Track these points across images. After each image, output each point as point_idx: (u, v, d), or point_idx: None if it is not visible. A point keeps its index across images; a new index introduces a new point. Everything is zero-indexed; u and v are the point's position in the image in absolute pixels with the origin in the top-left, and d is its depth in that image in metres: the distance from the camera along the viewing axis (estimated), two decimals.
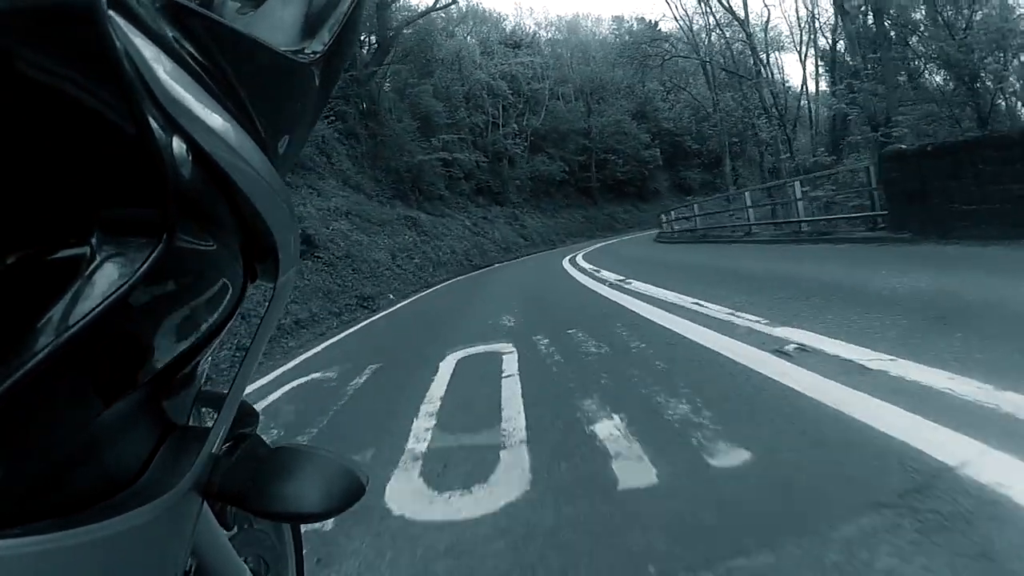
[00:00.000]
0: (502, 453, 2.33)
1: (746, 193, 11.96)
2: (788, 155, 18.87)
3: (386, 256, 12.43)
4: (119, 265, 0.26)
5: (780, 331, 3.42)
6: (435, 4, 25.21)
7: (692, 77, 37.92)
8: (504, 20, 41.09)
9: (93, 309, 0.24)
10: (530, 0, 60.00)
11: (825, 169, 14.05)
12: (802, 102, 25.83)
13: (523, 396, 3.07)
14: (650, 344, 3.75)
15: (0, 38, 0.22)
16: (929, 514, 1.37)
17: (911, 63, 21.84)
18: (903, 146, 8.20)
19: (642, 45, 28.47)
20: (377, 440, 2.79)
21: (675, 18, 35.69)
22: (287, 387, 4.49)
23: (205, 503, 0.41)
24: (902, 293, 4.05)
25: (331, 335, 7.47)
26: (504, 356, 4.09)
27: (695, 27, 28.38)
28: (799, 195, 10.04)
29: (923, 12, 15.61)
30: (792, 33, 24.05)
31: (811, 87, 25.48)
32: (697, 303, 4.82)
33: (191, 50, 0.29)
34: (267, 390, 4.46)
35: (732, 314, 4.18)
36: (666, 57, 27.08)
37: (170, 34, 0.28)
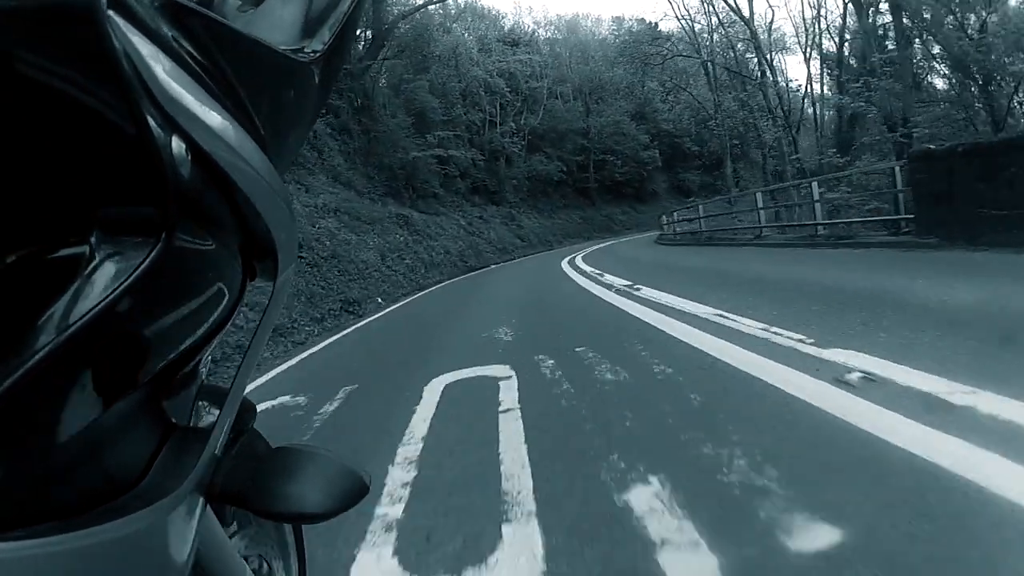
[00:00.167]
0: (504, 528, 1.73)
1: (757, 194, 11.34)
2: (795, 156, 18.27)
3: (375, 256, 11.72)
4: (118, 264, 0.26)
5: (832, 353, 2.86)
6: None
7: (692, 78, 37.47)
8: (503, 18, 40.57)
9: (93, 308, 0.24)
10: None
11: (836, 171, 13.50)
12: (806, 103, 25.31)
13: (527, 442, 2.43)
14: (678, 369, 3.12)
15: (0, 38, 0.22)
16: None
17: (916, 63, 21.45)
18: (931, 146, 7.62)
19: (643, 44, 27.89)
20: None
21: (677, 17, 35.08)
22: None
23: (207, 503, 0.39)
24: (954, 306, 3.56)
25: (311, 344, 6.81)
26: (501, 383, 3.45)
27: (697, 27, 27.93)
28: (817, 196, 9.43)
29: (931, 13, 15.16)
30: (797, 32, 23.47)
31: (815, 88, 24.96)
32: (721, 315, 4.20)
33: (190, 49, 0.29)
34: None
35: (766, 330, 3.58)
36: (668, 56, 26.50)
37: (169, 33, 0.28)
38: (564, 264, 13.04)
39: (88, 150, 0.26)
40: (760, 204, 11.10)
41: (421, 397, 3.40)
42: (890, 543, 1.35)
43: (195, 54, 0.29)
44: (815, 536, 1.41)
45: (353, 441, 2.90)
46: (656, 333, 4.09)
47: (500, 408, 2.97)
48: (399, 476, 2.31)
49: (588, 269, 10.15)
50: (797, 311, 4.03)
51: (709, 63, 27.12)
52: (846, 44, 21.51)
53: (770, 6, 26.47)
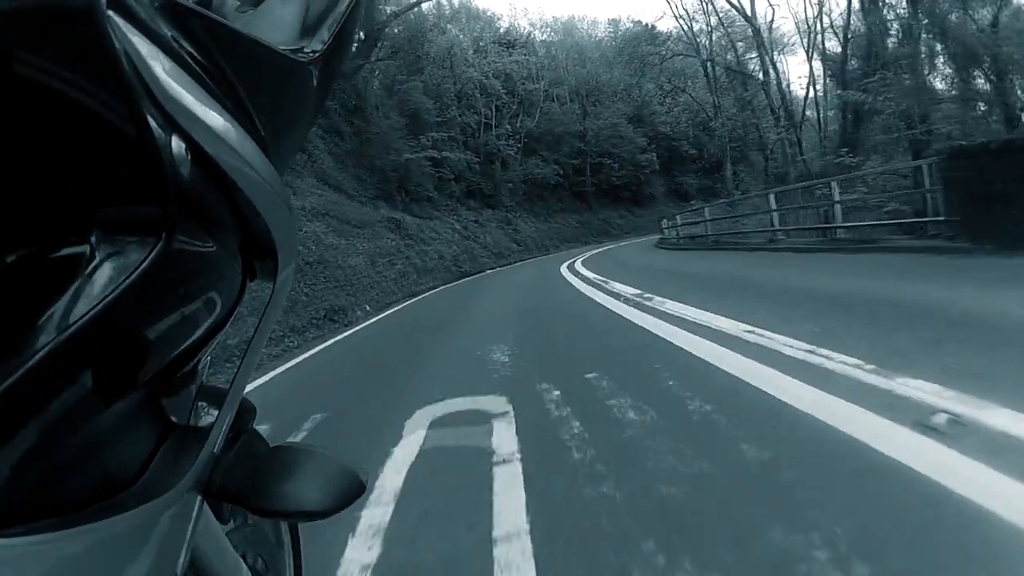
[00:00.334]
0: None
1: (770, 195, 10.74)
2: (802, 157, 17.73)
3: (363, 262, 11.04)
4: (119, 264, 0.26)
5: (900, 385, 2.31)
6: None
7: (691, 80, 37.09)
8: (498, 19, 40.14)
9: (93, 308, 0.25)
10: (525, 0, 58.66)
11: (844, 171, 12.95)
12: (808, 103, 24.80)
13: (529, 516, 1.80)
14: (717, 404, 2.50)
15: (0, 38, 0.22)
16: None
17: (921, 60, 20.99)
18: (964, 143, 7.06)
19: (642, 43, 27.42)
20: None
21: (675, 16, 34.54)
22: None
23: (204, 501, 0.40)
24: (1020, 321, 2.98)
25: (286, 359, 6.15)
26: (495, 421, 2.82)
27: (696, 27, 27.46)
28: (837, 197, 8.84)
29: (940, 7, 14.70)
30: (800, 30, 22.98)
31: (818, 87, 24.47)
32: (753, 331, 3.60)
33: (190, 49, 0.29)
34: None
35: (812, 352, 3.00)
36: (667, 56, 26.03)
37: (169, 34, 0.28)
38: (563, 269, 12.42)
39: (88, 150, 0.26)
40: (774, 206, 10.50)
41: (400, 436, 2.77)
42: None
43: (195, 54, 0.29)
44: None
45: None
46: (680, 354, 3.46)
47: (495, 458, 2.35)
48: (357, 556, 1.71)
49: (591, 275, 9.51)
50: (841, 327, 3.43)
51: (709, 63, 26.65)
52: (848, 42, 21.00)
53: (771, 5, 26.11)
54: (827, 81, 23.11)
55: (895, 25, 16.97)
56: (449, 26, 30.61)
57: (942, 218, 7.56)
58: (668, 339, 3.85)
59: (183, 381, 0.37)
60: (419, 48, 25.46)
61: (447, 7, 29.82)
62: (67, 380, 0.25)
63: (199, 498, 0.37)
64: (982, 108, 16.42)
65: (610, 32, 43.69)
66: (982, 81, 16.27)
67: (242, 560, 0.58)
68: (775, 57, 23.29)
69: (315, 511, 0.42)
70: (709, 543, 1.46)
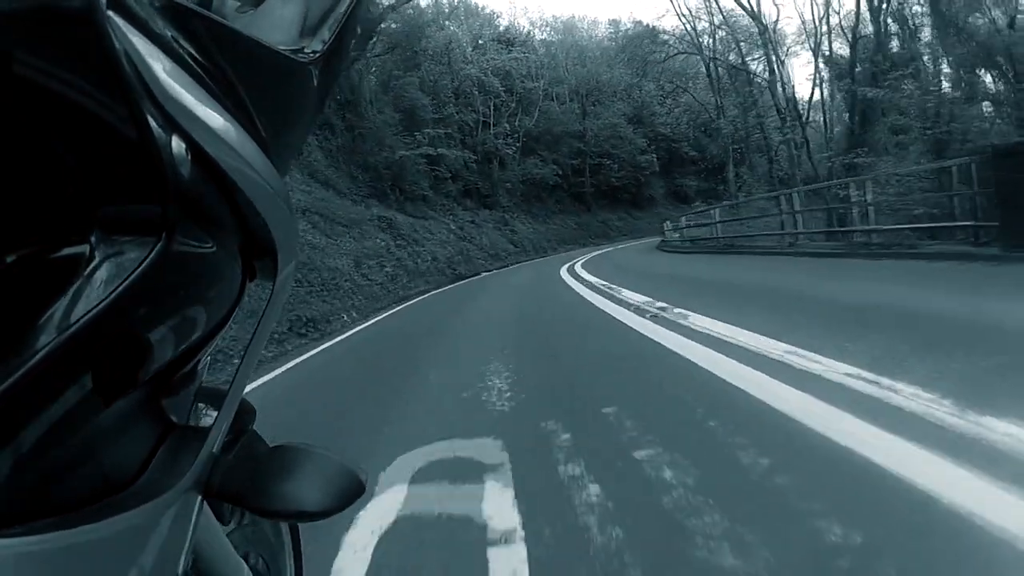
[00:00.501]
0: None
1: (794, 195, 10.03)
2: (811, 158, 17.09)
3: (348, 264, 10.27)
4: (119, 264, 0.26)
5: (994, 431, 1.80)
6: None
7: (692, 81, 36.50)
8: (497, 17, 39.38)
9: (93, 308, 0.25)
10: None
11: (862, 171, 12.32)
12: (812, 104, 24.22)
13: None
14: (777, 457, 1.86)
15: (0, 38, 0.22)
16: None
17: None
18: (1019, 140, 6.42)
19: (645, 40, 26.81)
20: None
21: (678, 14, 33.81)
22: None
23: (204, 501, 0.40)
24: None
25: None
26: (489, 477, 2.14)
27: (699, 27, 26.84)
28: (870, 198, 8.16)
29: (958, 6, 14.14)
30: (806, 29, 22.40)
31: (823, 84, 23.86)
32: (796, 353, 3.05)
33: (190, 50, 0.29)
34: None
35: (876, 384, 2.44)
36: (670, 55, 25.41)
37: (169, 34, 0.28)
38: (564, 273, 11.72)
39: (88, 150, 0.27)
40: (797, 206, 9.78)
41: (372, 494, 2.09)
42: None
43: (195, 54, 0.29)
44: None
45: None
46: (714, 383, 2.79)
47: (490, 534, 1.68)
48: None
49: (595, 280, 8.80)
50: (900, 351, 2.81)
51: (712, 63, 26.07)
52: (857, 41, 20.43)
53: (775, 4, 25.45)
54: (833, 82, 22.55)
55: (910, 23, 16.44)
56: (447, 23, 29.91)
57: (973, 223, 6.96)
58: (698, 363, 3.17)
59: (183, 381, 0.37)
60: (416, 43, 24.80)
61: (445, 4, 29.08)
62: (67, 380, 0.25)
63: (199, 498, 0.37)
64: (988, 109, 15.97)
65: (611, 31, 43.17)
66: (989, 81, 15.80)
67: (243, 561, 0.57)
68: (777, 60, 22.72)
69: (315, 511, 0.41)
70: None
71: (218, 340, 0.36)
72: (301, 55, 0.38)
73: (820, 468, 1.80)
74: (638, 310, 5.18)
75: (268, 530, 0.78)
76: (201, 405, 0.43)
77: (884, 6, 19.17)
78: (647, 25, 34.88)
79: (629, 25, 40.43)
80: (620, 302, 5.93)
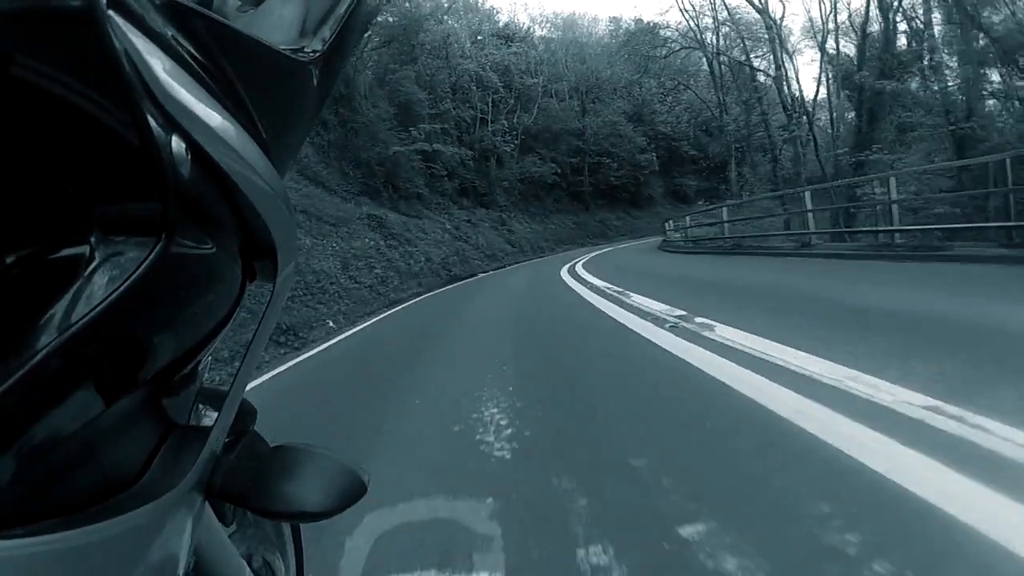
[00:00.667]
0: None
1: (806, 194, 9.43)
2: (820, 156, 16.51)
3: (335, 266, 9.59)
4: (118, 265, 0.26)
5: None
6: None
7: (693, 79, 35.97)
8: (497, 12, 38.77)
9: (93, 308, 0.25)
10: None
11: (876, 169, 11.79)
12: (818, 99, 23.68)
13: None
14: (886, 533, 1.22)
15: (0, 38, 0.22)
16: None
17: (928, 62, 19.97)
18: None
19: (647, 35, 26.23)
20: None
21: (681, 10, 33.10)
22: None
23: (206, 501, 0.40)
24: None
25: None
26: (477, 559, 1.53)
27: (701, 24, 26.27)
28: (895, 196, 7.56)
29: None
30: (813, 27, 21.85)
31: (830, 79, 23.27)
32: (855, 377, 2.38)
33: (191, 49, 0.29)
34: None
35: (960, 421, 1.99)
36: (674, 50, 24.83)
37: (169, 33, 0.28)
38: (565, 274, 11.10)
39: (88, 150, 0.26)
40: (809, 205, 9.20)
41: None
42: None
43: (195, 54, 0.29)
44: None
45: None
46: (759, 416, 2.21)
47: None
48: None
49: (600, 284, 8.16)
50: (977, 376, 2.30)
51: (715, 60, 25.52)
52: (866, 37, 19.91)
53: (781, 1, 24.79)
54: (839, 79, 22.01)
55: (918, 20, 15.91)
56: (446, 17, 29.26)
57: (1007, 223, 6.41)
58: (744, 392, 2.55)
59: (183, 382, 0.37)
60: (413, 37, 24.18)
61: (445, 1, 28.42)
62: (67, 381, 0.25)
63: (201, 499, 0.37)
64: (990, 104, 15.53)
65: (611, 29, 42.63)
66: (995, 77, 15.33)
67: (245, 562, 0.57)
68: (783, 57, 22.20)
69: (317, 511, 0.41)
70: None
71: (218, 340, 0.36)
72: (301, 55, 0.38)
73: (923, 535, 1.19)
74: (654, 319, 4.56)
75: (270, 531, 0.76)
76: (202, 405, 0.42)
77: (895, 3, 18.69)
78: (648, 23, 34.40)
79: (630, 23, 39.94)
80: (631, 309, 5.28)
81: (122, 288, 0.25)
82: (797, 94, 22.90)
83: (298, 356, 5.71)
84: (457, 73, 27.20)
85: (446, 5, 28.80)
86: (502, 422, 2.70)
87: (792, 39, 25.74)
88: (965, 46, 10.89)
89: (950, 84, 11.97)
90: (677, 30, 26.21)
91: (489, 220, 23.94)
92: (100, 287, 0.25)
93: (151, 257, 0.26)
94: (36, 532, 0.23)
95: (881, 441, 1.87)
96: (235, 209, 0.33)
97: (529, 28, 39.77)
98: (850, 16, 21.17)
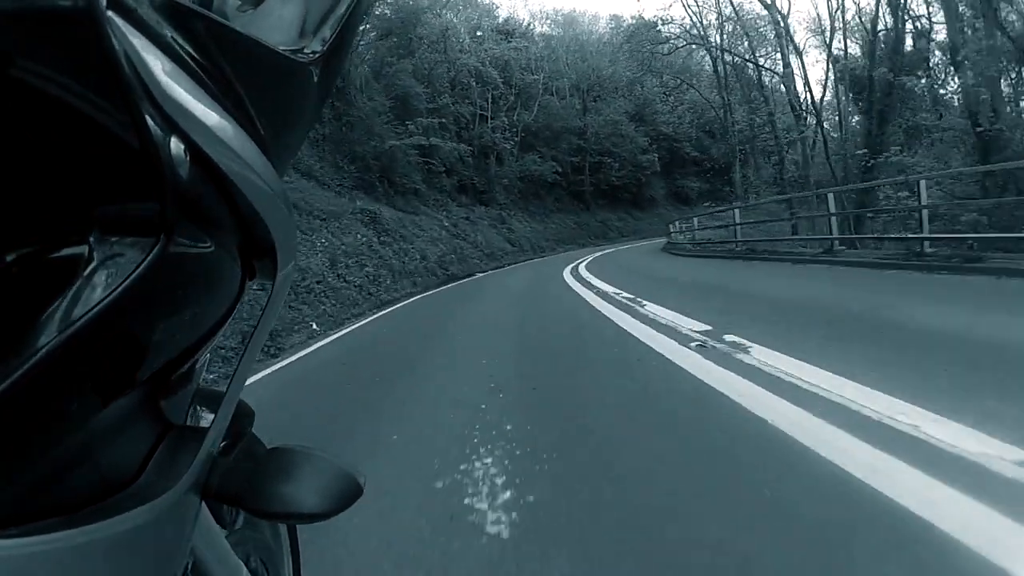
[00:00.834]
0: None
1: (829, 196, 8.83)
2: (834, 155, 15.93)
3: (322, 263, 8.93)
4: (117, 265, 0.26)
5: None
6: None
7: (695, 78, 35.36)
8: (496, 8, 38.08)
9: (91, 308, 0.25)
10: None
11: (892, 172, 11.21)
12: (824, 102, 23.08)
13: None
14: None
15: (0, 39, 0.23)
16: None
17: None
18: None
19: (651, 31, 25.63)
20: None
21: (684, 6, 32.46)
22: None
23: (203, 502, 0.40)
24: None
25: None
26: None
27: (705, 23, 25.66)
28: (925, 200, 6.97)
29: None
30: (821, 23, 21.29)
31: (826, 87, 22.72)
32: (937, 419, 1.80)
33: (190, 50, 0.29)
34: None
35: None
36: (678, 46, 24.25)
37: (169, 34, 0.28)
38: (568, 277, 10.51)
39: (88, 151, 0.26)
40: (832, 208, 8.59)
41: None
42: None
43: (195, 54, 0.29)
44: None
45: None
46: (843, 484, 1.62)
47: None
48: None
49: (607, 288, 7.57)
50: None
51: (719, 59, 24.92)
52: (876, 35, 19.38)
53: None
54: (847, 79, 21.45)
55: (928, 19, 15.37)
56: (444, 11, 28.59)
57: None
58: (797, 437, 1.99)
59: (181, 381, 0.37)
60: (411, 30, 23.55)
61: None
62: (66, 380, 0.25)
63: (198, 500, 0.37)
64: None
65: (612, 27, 42.02)
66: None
67: (243, 564, 0.57)
68: (791, 54, 21.65)
69: (313, 512, 0.41)
70: None
71: (217, 340, 0.36)
72: (301, 55, 0.38)
73: None
74: (676, 335, 3.97)
75: (267, 533, 0.76)
76: (199, 405, 0.42)
77: (903, 1, 18.15)
78: (650, 20, 33.78)
79: (632, 21, 39.36)
80: (647, 321, 4.67)
81: (121, 288, 0.25)
82: (805, 93, 22.39)
83: (271, 366, 5.07)
84: (456, 68, 26.55)
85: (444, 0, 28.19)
86: (497, 479, 2.10)
87: (796, 38, 25.09)
88: (991, 41, 10.32)
89: (971, 83, 11.37)
90: (681, 26, 25.58)
91: (488, 218, 23.32)
92: (99, 287, 0.25)
93: (150, 257, 0.26)
94: (34, 532, 0.23)
95: (985, 516, 1.30)
96: (234, 209, 0.32)
97: (529, 24, 39.20)
98: (859, 11, 20.60)
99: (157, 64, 0.25)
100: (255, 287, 0.41)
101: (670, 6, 35.96)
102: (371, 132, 16.88)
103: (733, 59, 24.96)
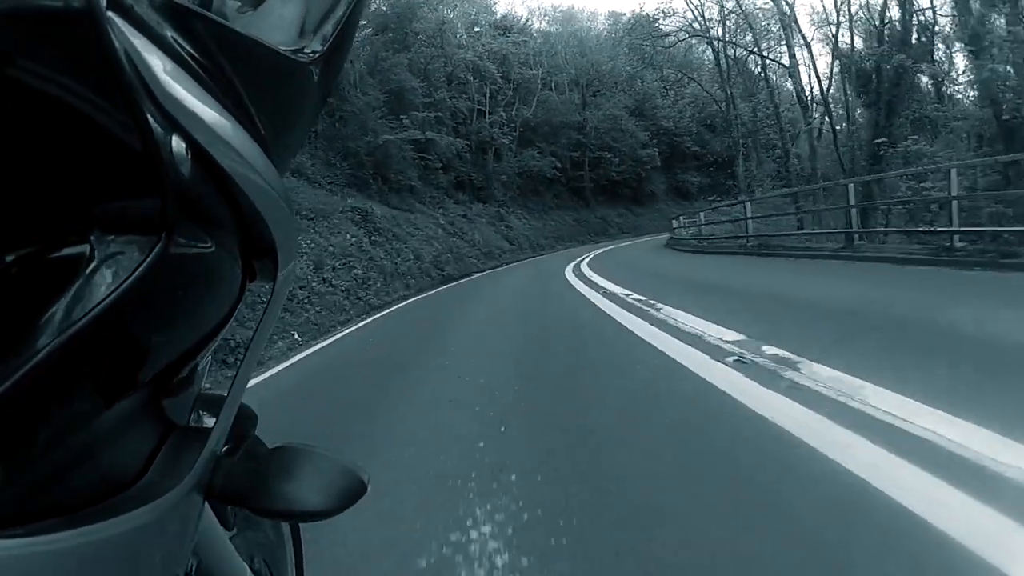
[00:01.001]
0: None
1: (850, 186, 8.27)
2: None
3: (306, 265, 8.31)
4: (118, 265, 0.26)
5: None
6: None
7: (696, 72, 34.80)
8: (494, 4, 37.46)
9: (92, 309, 0.25)
10: None
11: (915, 160, 10.69)
12: (830, 93, 22.53)
13: None
14: None
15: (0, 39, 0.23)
16: None
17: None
18: None
19: (652, 24, 25.09)
20: None
21: (686, 1, 31.83)
22: None
23: (206, 503, 0.39)
24: None
25: None
26: None
27: (706, 16, 25.08)
28: (956, 191, 6.43)
29: None
30: (826, 10, 20.73)
31: (832, 79, 22.15)
32: None
33: (190, 50, 0.29)
34: None
35: None
36: (682, 38, 23.70)
37: (169, 34, 0.28)
38: (570, 275, 9.96)
39: (88, 151, 0.26)
40: (852, 200, 8.01)
41: None
42: None
43: (195, 54, 0.29)
44: None
45: None
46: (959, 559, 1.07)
47: None
48: None
49: (615, 289, 7.01)
50: None
51: (721, 51, 24.36)
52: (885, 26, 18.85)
53: None
54: (855, 70, 20.92)
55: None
56: (440, 6, 27.99)
57: None
58: (889, 493, 1.45)
59: (184, 382, 0.37)
60: (407, 24, 22.97)
61: None
62: (67, 381, 0.25)
63: (201, 500, 0.36)
64: None
65: (610, 24, 41.48)
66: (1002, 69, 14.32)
67: (247, 566, 0.57)
68: (799, 43, 21.10)
69: (317, 511, 0.40)
70: None
71: (219, 340, 0.36)
72: (301, 55, 0.38)
73: None
74: (705, 346, 3.42)
75: (270, 533, 0.76)
76: (202, 406, 0.42)
77: None
78: (650, 15, 33.18)
79: (630, 18, 38.80)
80: (667, 328, 4.10)
81: (122, 288, 0.25)
82: (812, 85, 21.85)
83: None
84: (453, 63, 25.96)
85: None
86: (498, 560, 1.56)
87: (797, 35, 24.52)
88: (1017, 27, 9.77)
89: (990, 71, 10.83)
90: (684, 17, 25.02)
91: (486, 215, 22.75)
92: (100, 287, 0.25)
93: (151, 257, 0.26)
94: (36, 532, 0.23)
95: None
96: (235, 208, 0.32)
97: (527, 20, 38.60)
98: (866, 3, 20.06)
99: (158, 64, 0.25)
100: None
101: (671, 0, 35.29)
102: (364, 127, 16.31)
103: (735, 52, 24.44)
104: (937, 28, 19.23)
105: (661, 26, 25.61)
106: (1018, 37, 9.76)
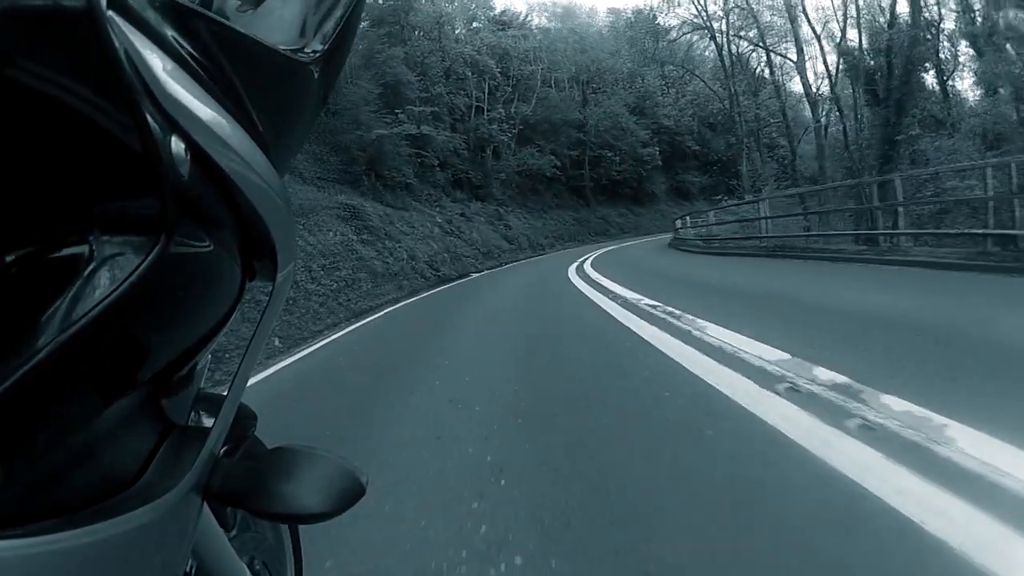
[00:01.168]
0: None
1: (896, 181, 7.59)
2: (854, 144, 14.85)
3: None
4: (118, 265, 0.26)
5: None
6: None
7: (698, 70, 34.25)
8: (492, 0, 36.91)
9: (92, 308, 0.25)
10: None
11: (913, 161, 10.17)
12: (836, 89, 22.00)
13: None
14: None
15: (0, 39, 0.23)
16: None
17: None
18: None
19: (651, 22, 24.58)
20: None
21: None
22: None
23: (205, 504, 0.39)
24: None
25: None
26: None
27: (709, 12, 24.53)
28: (991, 192, 5.87)
29: None
30: (835, 10, 20.21)
31: (837, 76, 21.62)
32: None
33: (191, 50, 0.29)
34: None
35: None
36: (685, 32, 23.18)
37: (169, 34, 0.28)
38: (574, 276, 9.39)
39: (88, 150, 0.26)
40: (900, 197, 7.37)
41: None
42: None
43: (195, 54, 0.29)
44: None
45: None
46: None
47: None
48: None
49: (626, 294, 6.41)
50: None
51: (725, 47, 23.82)
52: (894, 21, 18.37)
53: None
54: (863, 67, 20.40)
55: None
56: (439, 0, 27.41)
57: None
58: None
59: (183, 382, 0.37)
60: (403, 17, 22.39)
61: None
62: (67, 380, 0.25)
63: (200, 500, 0.36)
64: None
65: (610, 20, 40.99)
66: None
67: (246, 567, 0.56)
68: (815, 33, 20.58)
69: (316, 512, 0.40)
70: None
71: (218, 340, 0.35)
72: (301, 55, 0.37)
73: None
74: (748, 369, 2.82)
75: (269, 535, 0.75)
76: (201, 406, 0.41)
77: None
78: (650, 12, 32.63)
79: (630, 13, 38.27)
80: (696, 343, 3.55)
81: (121, 288, 0.25)
82: (820, 81, 21.32)
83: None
84: (451, 57, 25.36)
85: None
86: None
87: (806, 29, 23.99)
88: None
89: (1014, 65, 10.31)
90: (686, 13, 24.49)
91: (484, 214, 22.16)
92: (100, 287, 0.25)
93: (150, 257, 0.26)
94: (35, 532, 0.23)
95: None
96: (234, 209, 0.32)
97: (527, 17, 38.04)
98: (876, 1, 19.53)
99: (158, 63, 0.25)
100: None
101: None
102: (357, 121, 15.71)
103: (740, 47, 23.93)
104: (943, 25, 18.81)
105: (663, 21, 25.15)
106: None
